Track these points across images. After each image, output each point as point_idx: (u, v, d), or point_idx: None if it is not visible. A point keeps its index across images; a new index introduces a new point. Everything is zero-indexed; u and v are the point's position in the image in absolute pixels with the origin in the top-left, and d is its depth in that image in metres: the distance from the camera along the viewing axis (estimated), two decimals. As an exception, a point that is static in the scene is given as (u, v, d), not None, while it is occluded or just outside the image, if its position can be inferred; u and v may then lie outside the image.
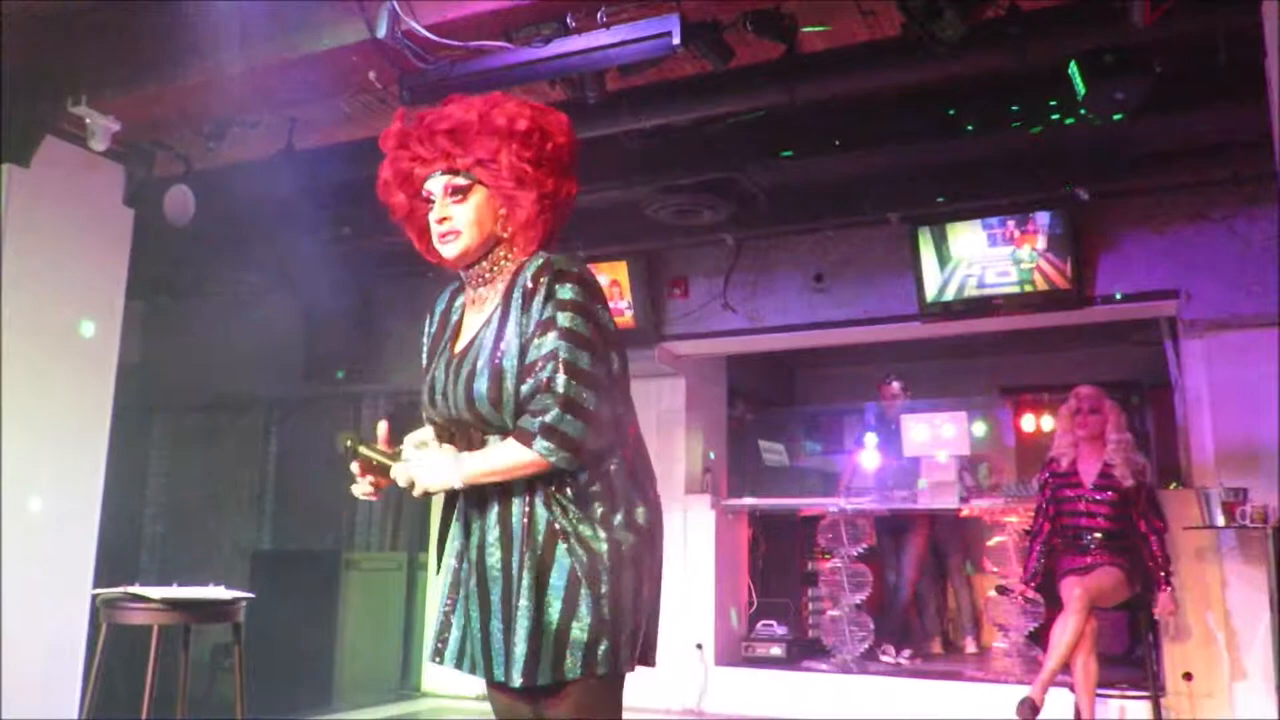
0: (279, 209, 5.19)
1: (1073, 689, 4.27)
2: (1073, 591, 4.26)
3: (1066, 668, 4.21)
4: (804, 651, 6.31)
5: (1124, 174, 4.98)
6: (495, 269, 1.96)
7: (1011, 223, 5.37)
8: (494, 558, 1.84)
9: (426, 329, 2.12)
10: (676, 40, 3.25)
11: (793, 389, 8.45)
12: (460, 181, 1.91)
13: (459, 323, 2.02)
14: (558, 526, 1.80)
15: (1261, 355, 4.70)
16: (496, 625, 1.81)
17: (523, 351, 1.82)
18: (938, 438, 6.05)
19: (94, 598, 3.40)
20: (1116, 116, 4.01)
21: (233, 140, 4.54)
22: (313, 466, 7.43)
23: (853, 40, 3.88)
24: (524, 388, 1.81)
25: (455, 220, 1.92)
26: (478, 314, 1.97)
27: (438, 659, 1.96)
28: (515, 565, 1.81)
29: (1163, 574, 4.38)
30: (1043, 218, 5.30)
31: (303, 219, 5.48)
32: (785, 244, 6.03)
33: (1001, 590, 5.67)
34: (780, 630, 6.21)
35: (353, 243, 6.01)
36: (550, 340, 1.79)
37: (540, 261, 1.89)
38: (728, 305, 6.04)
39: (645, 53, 3.37)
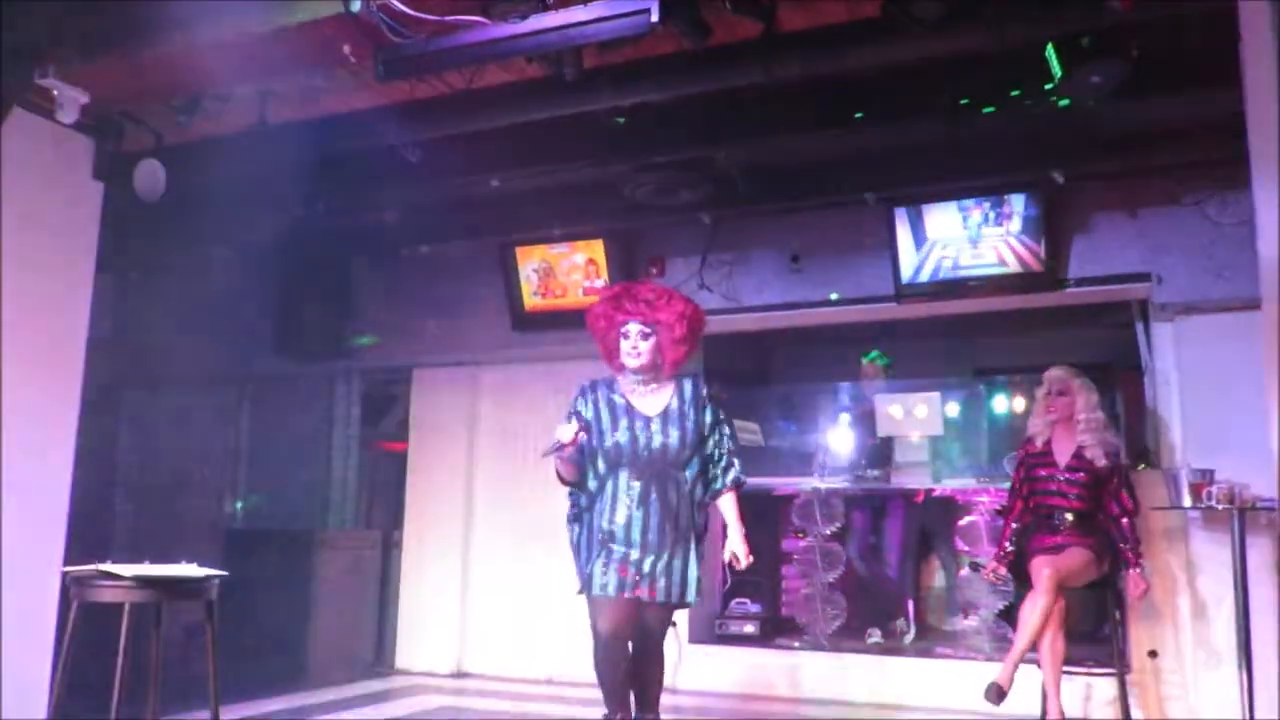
0: (252, 184, 5.13)
1: (1040, 666, 4.32)
2: (1042, 571, 4.30)
3: (1034, 646, 4.27)
4: (777, 629, 6.37)
5: (1098, 157, 5.01)
6: (655, 378, 3.55)
7: (987, 204, 5.39)
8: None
9: (591, 407, 3.54)
10: (655, 17, 3.23)
11: (768, 369, 8.47)
12: (648, 330, 3.49)
13: (628, 404, 3.53)
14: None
15: (1230, 338, 4.75)
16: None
17: (696, 427, 3.51)
18: (911, 418, 6.10)
19: (64, 575, 3.37)
20: (1091, 100, 4.03)
21: (205, 114, 4.47)
22: (286, 444, 7.40)
23: (832, 19, 3.87)
24: (707, 452, 3.53)
25: (640, 349, 3.48)
26: (646, 400, 3.54)
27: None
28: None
29: (1132, 555, 4.44)
30: (1017, 200, 5.32)
31: (276, 194, 5.43)
32: (762, 224, 6.03)
33: (974, 567, 5.74)
34: (754, 608, 6.26)
35: (327, 219, 5.96)
36: (720, 430, 3.57)
37: (701, 383, 3.63)
38: (704, 285, 6.04)
39: (623, 29, 3.34)
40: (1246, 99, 3.09)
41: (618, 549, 3.37)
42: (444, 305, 6.81)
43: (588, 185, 5.66)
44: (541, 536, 5.76)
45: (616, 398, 3.55)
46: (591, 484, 3.51)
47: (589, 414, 3.54)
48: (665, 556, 3.37)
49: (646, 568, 3.36)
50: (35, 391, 4.23)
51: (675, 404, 3.53)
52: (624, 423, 3.48)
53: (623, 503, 3.41)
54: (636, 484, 3.43)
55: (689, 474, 3.48)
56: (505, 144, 4.93)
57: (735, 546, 3.46)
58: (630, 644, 3.43)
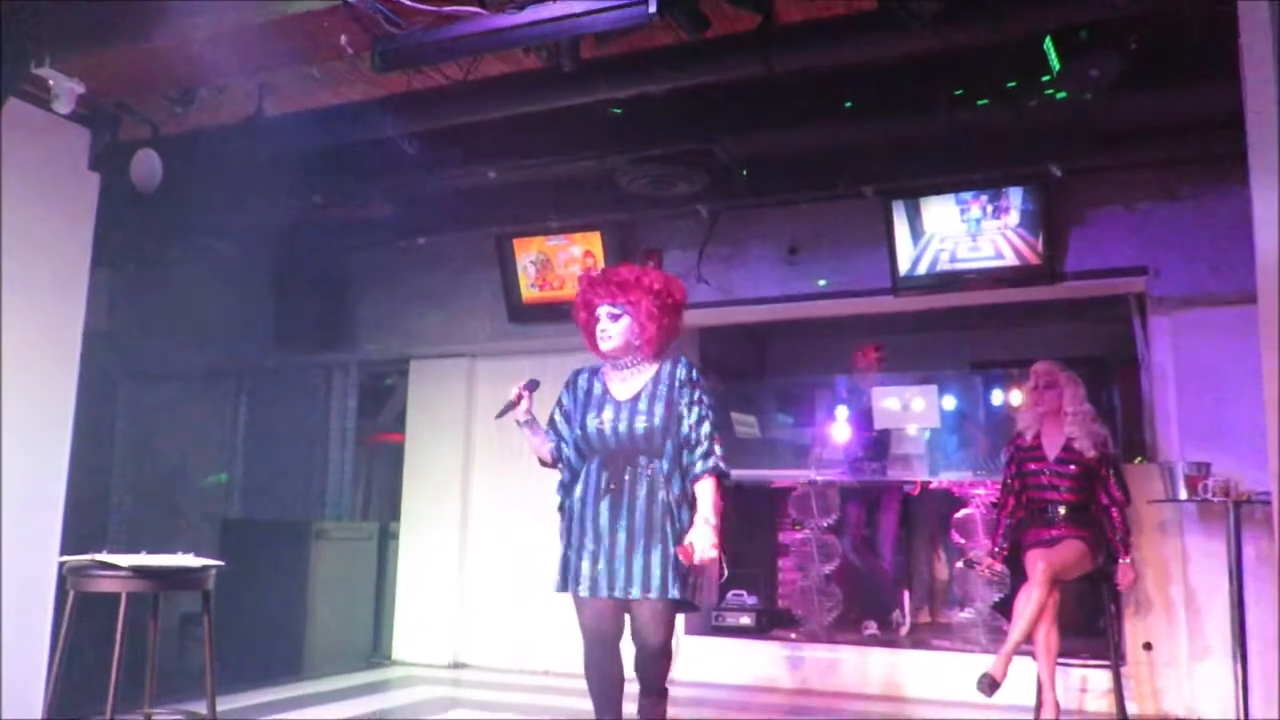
0: (248, 176, 5.12)
1: (1035, 659, 4.34)
2: (1037, 564, 4.31)
3: (1029, 638, 4.28)
4: (774, 621, 6.38)
5: (1096, 150, 5.01)
6: (632, 361, 3.34)
7: (984, 198, 5.39)
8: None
9: (570, 395, 3.41)
10: (653, 8, 3.23)
11: (765, 361, 8.48)
12: (616, 311, 3.30)
13: (605, 390, 3.34)
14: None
15: (1227, 332, 4.76)
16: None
17: (672, 410, 3.24)
18: (908, 410, 6.10)
19: (61, 565, 3.37)
20: (1088, 94, 4.03)
21: (201, 105, 4.47)
22: (283, 435, 7.40)
23: (830, 13, 3.86)
24: (683, 434, 3.22)
25: (610, 331, 3.31)
26: (625, 384, 3.34)
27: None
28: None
29: (1122, 545, 4.46)
30: (1015, 193, 5.33)
31: (272, 186, 5.42)
32: (759, 217, 6.02)
33: (969, 564, 5.75)
34: (750, 600, 6.27)
35: (323, 211, 5.95)
36: (697, 412, 3.24)
37: (684, 365, 3.34)
38: (701, 278, 6.04)
39: (621, 21, 3.34)
40: (1245, 93, 3.09)
41: (589, 543, 3.20)
42: (441, 297, 6.81)
43: (585, 177, 5.65)
44: (539, 528, 5.77)
45: (596, 384, 3.38)
46: (566, 475, 3.36)
47: (569, 403, 3.41)
48: (640, 549, 3.13)
49: (619, 562, 3.15)
50: (31, 382, 4.22)
51: (650, 387, 3.29)
52: (593, 411, 3.30)
53: (591, 493, 3.24)
54: (605, 473, 3.23)
55: (665, 461, 3.22)
56: (502, 136, 4.93)
57: (694, 536, 3.09)
58: (632, 644, 3.22)
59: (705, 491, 3.18)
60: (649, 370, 3.34)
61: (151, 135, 4.67)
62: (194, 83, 4.34)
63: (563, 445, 3.37)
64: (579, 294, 3.43)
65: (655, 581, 3.11)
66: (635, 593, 3.12)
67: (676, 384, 3.28)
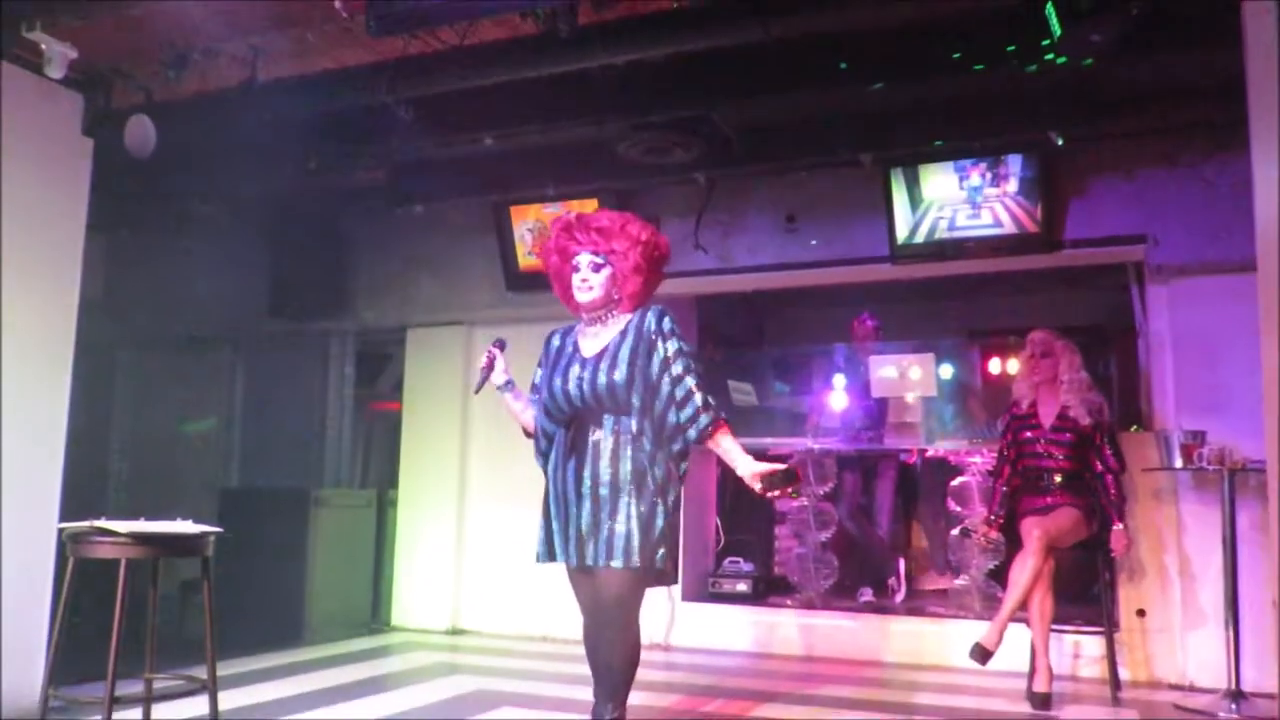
0: (243, 142, 5.09)
1: (1029, 625, 4.37)
2: (1032, 532, 4.34)
3: (1024, 605, 4.31)
4: (770, 588, 6.42)
5: (1096, 118, 4.98)
6: (607, 315, 3.13)
7: (983, 165, 5.36)
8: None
9: (545, 357, 3.22)
10: (650, -27, 3.20)
11: (763, 330, 8.48)
12: (599, 260, 3.08)
13: (575, 349, 3.14)
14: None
15: (1224, 301, 4.76)
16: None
17: (638, 363, 3.01)
18: (905, 379, 6.11)
19: (60, 532, 3.38)
20: (1087, 61, 4.00)
21: (194, 70, 4.43)
22: (281, 403, 7.40)
23: (830, -24, 3.83)
24: (663, 391, 2.99)
25: (591, 282, 3.08)
26: (595, 339, 3.11)
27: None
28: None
29: (1116, 512, 4.48)
30: (1014, 161, 5.30)
31: (267, 152, 5.38)
32: (757, 184, 6.00)
33: (965, 533, 5.78)
34: (747, 567, 6.31)
35: (319, 177, 5.92)
36: (679, 364, 3.01)
37: (654, 315, 3.08)
38: (699, 245, 6.02)
39: (618, -15, 3.31)
40: (1246, 62, 3.07)
41: (560, 510, 3.08)
42: (438, 265, 6.79)
43: (583, 145, 5.62)
44: (536, 495, 5.77)
45: (568, 344, 3.18)
46: (544, 443, 3.18)
47: (544, 365, 3.23)
48: (606, 514, 2.95)
49: (588, 529, 2.97)
50: (28, 350, 4.21)
51: (617, 340, 3.06)
52: (560, 373, 3.09)
53: (560, 458, 3.08)
54: (571, 435, 3.05)
55: (634, 419, 2.99)
56: (499, 102, 4.89)
57: (748, 479, 2.96)
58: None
59: (731, 445, 3.01)
60: (619, 323, 3.12)
61: (145, 101, 4.63)
62: (187, 46, 4.29)
63: (535, 404, 3.22)
64: (553, 239, 3.18)
65: (619, 548, 2.91)
66: (591, 559, 2.97)
67: (646, 335, 3.04)
